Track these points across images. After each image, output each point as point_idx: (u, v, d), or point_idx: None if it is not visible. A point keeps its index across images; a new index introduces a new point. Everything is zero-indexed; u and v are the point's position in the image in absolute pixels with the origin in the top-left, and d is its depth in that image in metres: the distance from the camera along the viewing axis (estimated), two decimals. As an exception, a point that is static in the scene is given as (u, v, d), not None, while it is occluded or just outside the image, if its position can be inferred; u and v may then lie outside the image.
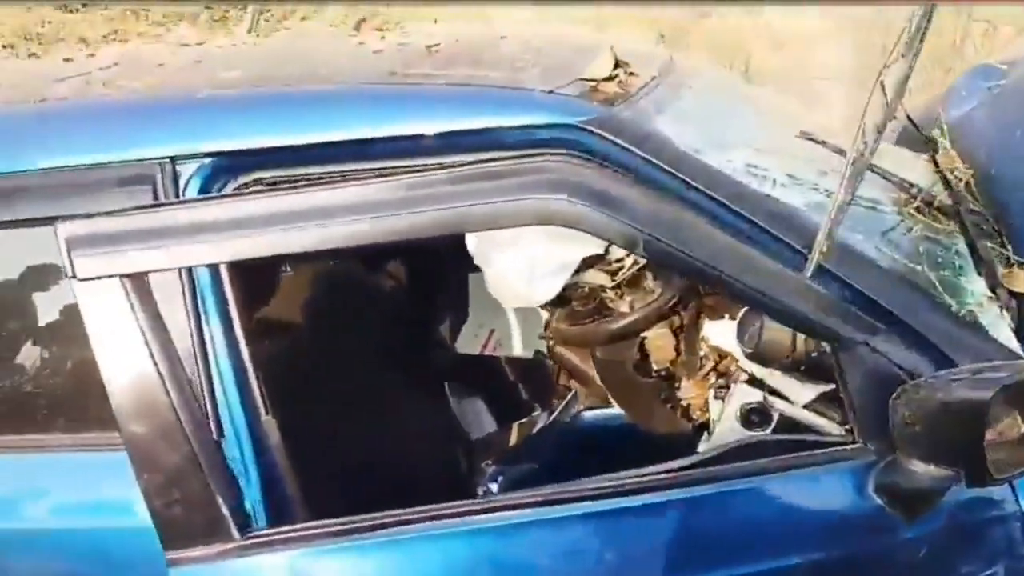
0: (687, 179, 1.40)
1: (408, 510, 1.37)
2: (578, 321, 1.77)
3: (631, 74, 1.62)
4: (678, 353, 1.77)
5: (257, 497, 1.41)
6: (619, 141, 1.40)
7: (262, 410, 1.46)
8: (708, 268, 1.35)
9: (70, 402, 1.59)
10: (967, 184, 1.82)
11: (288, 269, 2.51)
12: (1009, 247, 1.65)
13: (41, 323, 1.64)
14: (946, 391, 1.27)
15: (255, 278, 1.94)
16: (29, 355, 1.65)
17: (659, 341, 1.75)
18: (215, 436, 1.40)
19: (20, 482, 1.57)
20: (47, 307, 1.64)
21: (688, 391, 1.79)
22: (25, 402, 1.61)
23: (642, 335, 1.77)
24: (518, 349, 2.66)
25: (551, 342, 2.09)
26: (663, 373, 1.81)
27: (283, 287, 2.43)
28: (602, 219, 1.31)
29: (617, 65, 1.60)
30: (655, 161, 1.41)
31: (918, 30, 1.33)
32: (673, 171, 1.41)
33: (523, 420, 2.14)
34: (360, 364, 2.32)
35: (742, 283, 1.36)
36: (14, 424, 1.60)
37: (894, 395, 1.31)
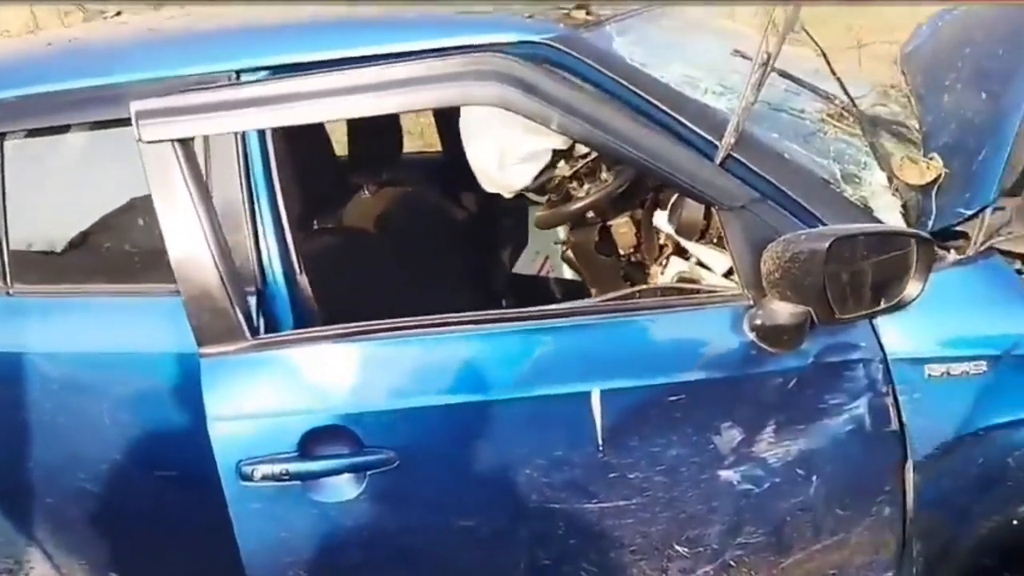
0: (622, 80, 1.73)
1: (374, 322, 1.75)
2: (551, 207, 2.12)
3: None
4: (640, 241, 2.09)
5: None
6: (572, 52, 1.75)
7: (297, 269, 1.89)
8: (617, 145, 1.68)
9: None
10: (906, 98, 2.06)
11: (367, 192, 2.98)
12: (921, 149, 1.90)
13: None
14: (797, 243, 1.55)
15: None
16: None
17: (622, 229, 2.07)
18: (258, 285, 1.84)
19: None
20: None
21: (655, 276, 2.11)
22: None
23: (607, 223, 2.10)
24: (567, 273, 3.02)
25: (564, 249, 2.44)
26: (632, 260, 2.14)
27: (367, 202, 2.90)
28: (523, 100, 1.66)
29: None
30: (598, 67, 1.74)
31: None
32: (610, 75, 1.74)
33: None
34: (427, 275, 2.73)
35: (645, 159, 1.68)
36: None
37: (765, 250, 1.61)
